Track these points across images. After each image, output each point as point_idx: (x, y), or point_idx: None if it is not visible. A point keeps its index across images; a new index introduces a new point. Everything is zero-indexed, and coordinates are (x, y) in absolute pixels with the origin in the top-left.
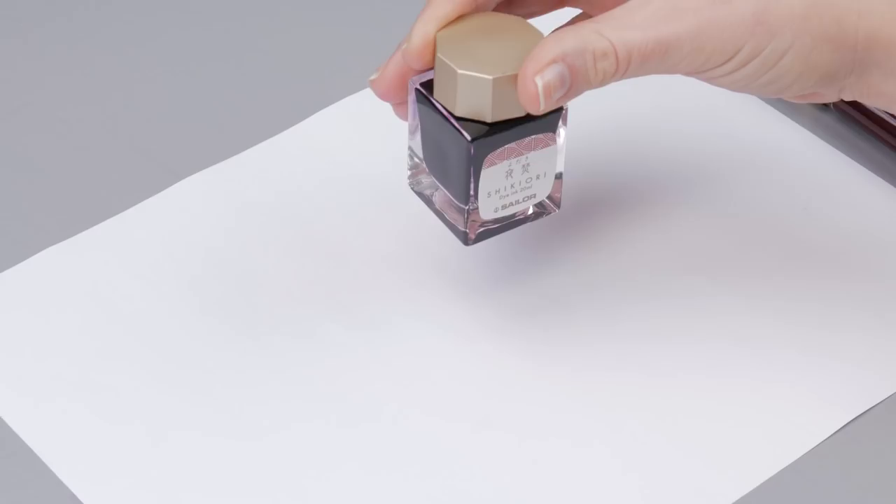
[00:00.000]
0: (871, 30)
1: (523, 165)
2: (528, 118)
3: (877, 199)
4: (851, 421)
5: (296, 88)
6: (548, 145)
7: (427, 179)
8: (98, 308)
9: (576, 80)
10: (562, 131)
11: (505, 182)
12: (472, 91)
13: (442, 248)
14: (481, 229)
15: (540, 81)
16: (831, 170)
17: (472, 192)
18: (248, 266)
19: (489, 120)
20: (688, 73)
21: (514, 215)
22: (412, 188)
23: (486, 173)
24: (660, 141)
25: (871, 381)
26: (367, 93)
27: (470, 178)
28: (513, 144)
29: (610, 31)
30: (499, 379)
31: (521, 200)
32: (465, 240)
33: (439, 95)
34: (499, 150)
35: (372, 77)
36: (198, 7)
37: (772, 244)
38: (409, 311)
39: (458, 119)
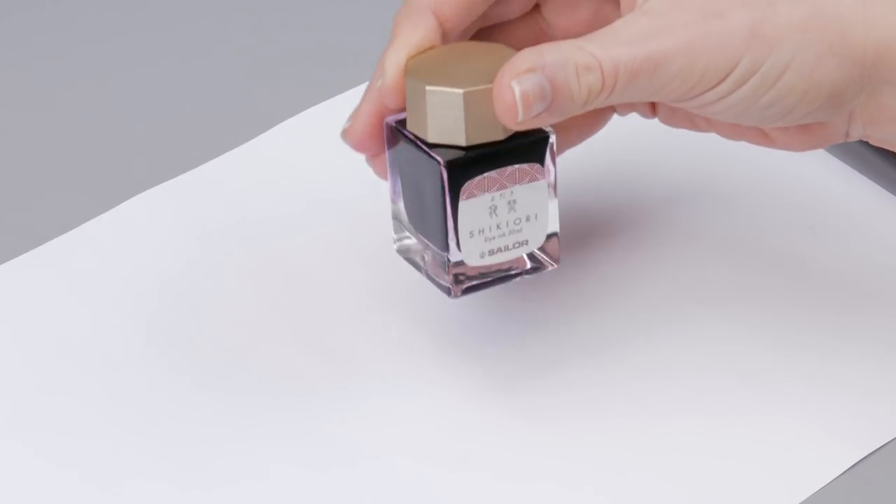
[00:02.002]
0: (880, 42)
1: (509, 202)
2: (509, 143)
3: (890, 218)
4: (862, 459)
5: (256, 98)
6: (535, 179)
7: (413, 243)
8: (39, 337)
9: (558, 95)
10: (551, 167)
11: (489, 221)
12: (443, 110)
13: (417, 272)
14: (468, 283)
15: (517, 87)
16: (840, 186)
17: (450, 233)
18: (203, 291)
19: (464, 143)
20: (681, 99)
21: (506, 269)
22: (399, 254)
23: (464, 207)
24: (656, 154)
25: (883, 417)
26: (334, 103)
27: (447, 214)
28: (493, 174)
29: (594, 47)
30: (480, 416)
31: (510, 247)
32: (449, 293)
33: (412, 125)
34: (477, 180)
35: (344, 127)
36: (155, 13)
37: (775, 267)
38: (381, 343)
39: (431, 146)
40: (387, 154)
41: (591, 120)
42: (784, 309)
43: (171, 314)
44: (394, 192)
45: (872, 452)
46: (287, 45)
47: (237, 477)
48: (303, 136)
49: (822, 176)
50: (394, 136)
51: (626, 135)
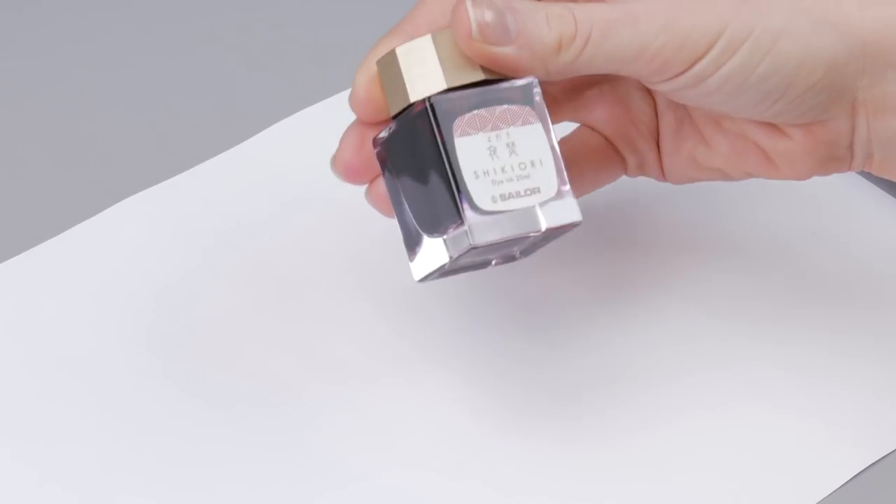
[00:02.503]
0: (878, 19)
1: (507, 145)
2: (495, 84)
3: (895, 222)
4: (866, 469)
5: (247, 100)
6: (528, 122)
7: (435, 257)
8: (23, 345)
9: (525, 33)
10: (546, 115)
11: (491, 163)
12: (417, 63)
13: (412, 278)
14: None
15: (471, 7)
16: (843, 189)
17: (454, 184)
18: (193, 298)
19: (445, 85)
20: (671, 68)
21: (525, 232)
22: (426, 279)
23: (461, 144)
24: None
25: (888, 425)
26: (324, 105)
27: (446, 162)
28: (483, 112)
29: (568, 3)
30: (475, 425)
31: (522, 193)
32: (486, 265)
33: (394, 106)
34: (468, 117)
35: (332, 156)
36: (140, 16)
37: (776, 274)
38: (376, 350)
39: (415, 106)
40: (383, 175)
41: (598, 162)
42: (786, 316)
43: (160, 322)
44: (400, 216)
45: (877, 461)
46: (278, 45)
47: (228, 487)
48: (295, 138)
49: (823, 179)
50: (382, 148)
51: None
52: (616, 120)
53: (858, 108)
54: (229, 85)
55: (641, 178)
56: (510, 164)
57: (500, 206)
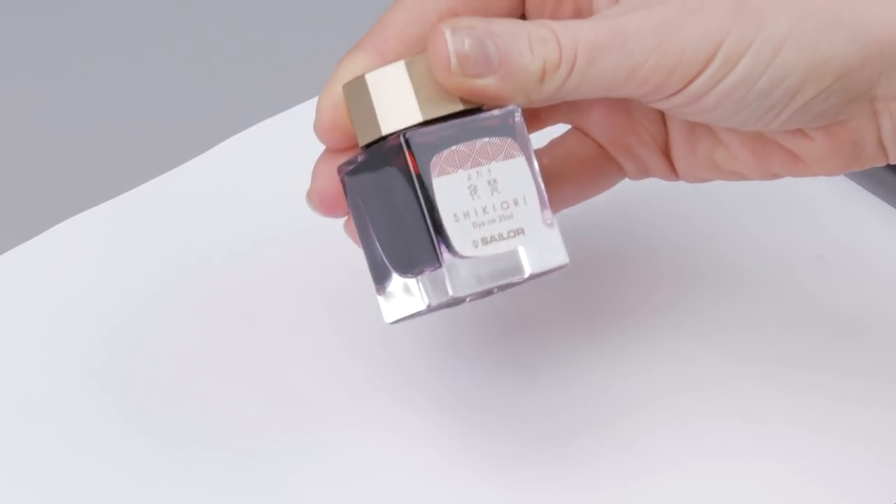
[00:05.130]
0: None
1: (489, 182)
2: (473, 115)
3: None
4: None
5: (198, 113)
6: (511, 156)
7: (408, 299)
8: None
9: (508, 61)
10: (528, 145)
11: (472, 203)
12: (389, 92)
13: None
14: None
15: (450, 36)
16: (852, 210)
17: (432, 227)
18: (139, 328)
19: (420, 118)
20: (665, 89)
21: (509, 273)
22: (391, 321)
23: (439, 184)
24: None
25: None
26: (282, 118)
27: (423, 203)
28: (462, 147)
29: (553, 23)
30: (453, 475)
31: (505, 235)
32: (461, 301)
33: (362, 136)
34: (446, 153)
35: (307, 190)
36: (79, 21)
37: (781, 300)
38: (343, 388)
39: (386, 139)
40: (347, 203)
41: (590, 173)
42: (791, 351)
43: (103, 353)
44: (368, 248)
45: None
46: (230, 54)
47: None
48: (250, 153)
49: (832, 199)
50: (349, 177)
51: None
52: (614, 125)
53: (880, 106)
54: (179, 95)
55: (638, 194)
56: (492, 203)
57: (481, 251)
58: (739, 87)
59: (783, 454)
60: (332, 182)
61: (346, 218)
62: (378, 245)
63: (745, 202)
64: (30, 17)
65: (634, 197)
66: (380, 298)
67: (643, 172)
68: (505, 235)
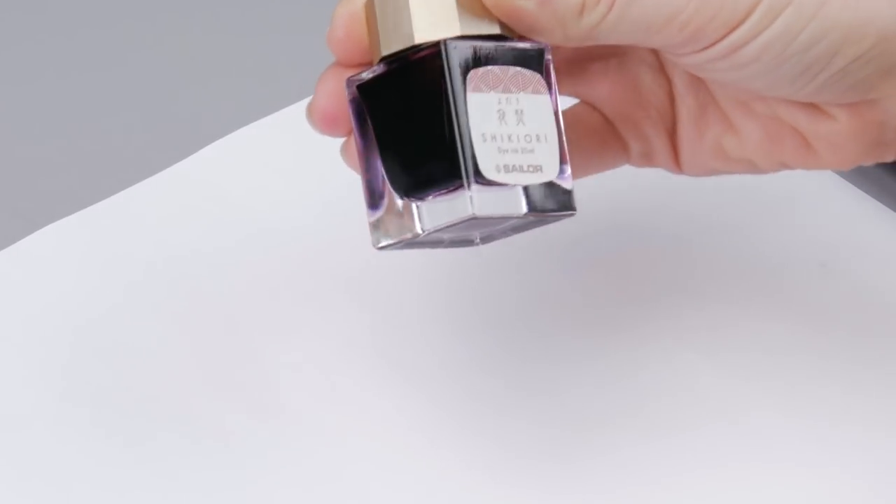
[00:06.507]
0: None
1: (516, 111)
2: (506, 42)
3: None
4: None
5: (181, 116)
6: (538, 91)
7: (402, 223)
8: None
9: None
10: (555, 87)
11: (499, 128)
12: (427, 3)
13: (374, 317)
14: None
15: None
16: (856, 216)
17: (462, 146)
18: (121, 337)
19: (458, 32)
20: (707, 36)
21: (525, 213)
22: (388, 247)
23: (473, 100)
24: (658, 188)
25: None
26: (268, 122)
27: (453, 115)
28: (497, 70)
29: None
30: (442, 488)
31: (524, 168)
32: (472, 242)
33: (385, 46)
34: (482, 71)
35: (307, 105)
36: (68, 30)
37: (782, 310)
38: (327, 395)
39: (419, 48)
40: (352, 120)
41: (594, 144)
42: (793, 360)
43: (84, 364)
44: (368, 171)
45: None
46: (213, 57)
47: None
48: (235, 157)
49: (834, 205)
50: (359, 92)
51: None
52: (621, 100)
53: None
54: (159, 101)
55: (635, 199)
56: (517, 133)
57: (502, 177)
58: (779, 40)
59: (782, 465)
60: (336, 98)
61: (344, 140)
62: (380, 167)
63: (745, 212)
64: (2, 21)
65: (631, 204)
66: (370, 223)
67: (646, 157)
68: (525, 168)
